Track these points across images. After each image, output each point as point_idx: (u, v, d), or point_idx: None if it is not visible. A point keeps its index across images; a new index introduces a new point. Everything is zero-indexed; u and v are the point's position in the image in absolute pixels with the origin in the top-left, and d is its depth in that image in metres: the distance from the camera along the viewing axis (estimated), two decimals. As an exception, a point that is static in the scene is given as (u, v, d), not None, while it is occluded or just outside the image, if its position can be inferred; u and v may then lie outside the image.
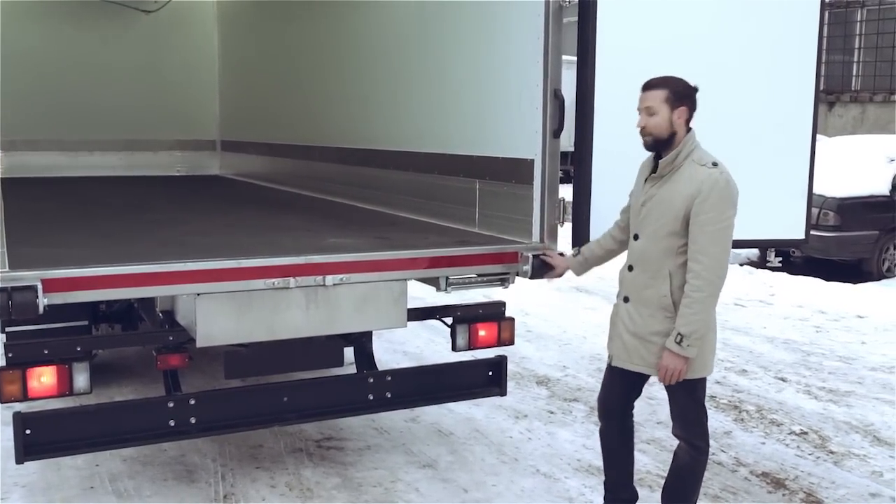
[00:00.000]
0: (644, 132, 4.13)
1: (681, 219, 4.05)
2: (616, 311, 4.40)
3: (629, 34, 4.90)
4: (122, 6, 10.45)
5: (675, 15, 4.99)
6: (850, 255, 13.05)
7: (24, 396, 4.34)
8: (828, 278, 11.96)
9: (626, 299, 4.30)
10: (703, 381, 4.30)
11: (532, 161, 5.06)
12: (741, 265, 13.15)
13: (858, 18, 19.90)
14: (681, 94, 4.08)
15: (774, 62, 5.20)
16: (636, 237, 4.26)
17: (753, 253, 13.99)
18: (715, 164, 4.06)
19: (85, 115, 10.54)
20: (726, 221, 4.02)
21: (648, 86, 4.14)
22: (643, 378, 4.46)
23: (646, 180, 4.24)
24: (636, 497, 4.74)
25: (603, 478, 4.81)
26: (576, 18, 4.88)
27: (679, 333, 4.03)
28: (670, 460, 4.57)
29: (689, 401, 4.31)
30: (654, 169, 4.22)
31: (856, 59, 20.20)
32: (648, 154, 4.33)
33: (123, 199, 8.30)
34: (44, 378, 4.36)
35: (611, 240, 4.67)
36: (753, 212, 5.17)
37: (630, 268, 4.28)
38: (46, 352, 4.40)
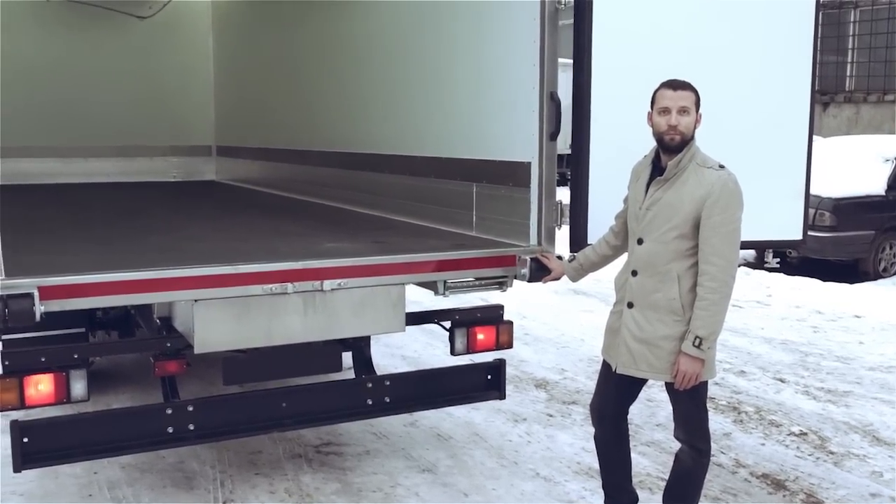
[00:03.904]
0: (674, 131, 4.06)
1: (690, 221, 4.04)
2: (618, 318, 4.35)
3: (625, 36, 4.88)
4: (116, 12, 10.43)
5: (671, 17, 4.97)
6: (847, 256, 13.05)
7: (22, 404, 4.33)
8: (824, 279, 11.97)
9: (630, 305, 4.26)
10: (706, 383, 4.29)
11: (529, 164, 5.04)
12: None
13: (852, 19, 19.91)
14: (700, 101, 4.11)
15: (770, 63, 5.18)
16: (640, 241, 4.22)
17: (749, 254, 13.97)
18: (721, 167, 4.08)
19: (80, 121, 10.48)
20: (737, 223, 4.05)
21: (679, 86, 4.10)
22: (641, 384, 4.45)
23: (648, 184, 4.21)
24: (636, 499, 4.73)
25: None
26: (571, 21, 4.87)
27: (697, 336, 4.01)
28: (670, 462, 4.56)
29: (692, 404, 4.30)
30: (654, 172, 4.20)
31: (849, 59, 20.21)
32: (642, 157, 4.34)
33: (119, 206, 8.28)
34: (41, 386, 4.35)
35: (606, 245, 4.65)
36: (751, 213, 5.14)
37: (634, 273, 4.24)
38: (43, 359, 4.39)
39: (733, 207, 4.04)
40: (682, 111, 4.06)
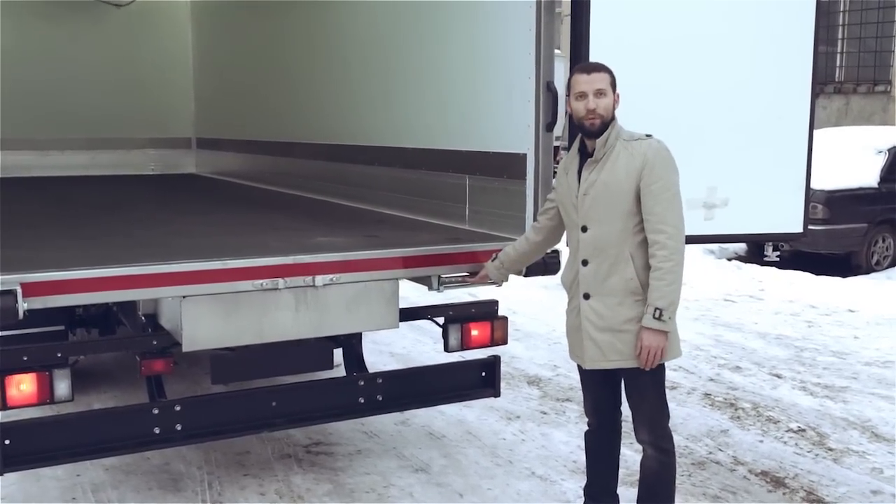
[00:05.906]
0: (593, 115, 4.00)
1: (633, 195, 3.98)
2: (576, 314, 4.21)
3: (622, 26, 4.78)
4: (93, 0, 10.23)
5: (670, 7, 4.87)
6: (840, 249, 12.99)
7: (3, 405, 4.17)
8: (816, 272, 11.91)
9: (586, 296, 4.12)
10: (664, 374, 4.20)
11: (524, 155, 4.93)
12: (729, 260, 13.07)
13: (841, 9, 19.83)
14: (615, 81, 4.07)
15: (769, 54, 5.10)
16: (584, 229, 4.10)
17: (741, 248, 13.92)
18: (649, 136, 4.05)
19: (55, 112, 10.26)
20: (675, 187, 4.00)
21: (594, 68, 4.06)
22: (619, 373, 4.32)
23: (579, 172, 4.13)
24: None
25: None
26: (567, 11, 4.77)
27: (657, 308, 3.90)
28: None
29: (656, 394, 4.18)
30: (583, 159, 4.14)
31: (839, 49, 20.13)
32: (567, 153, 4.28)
33: (98, 199, 8.12)
34: (23, 386, 4.20)
35: (525, 242, 4.57)
36: (750, 205, 5.08)
37: (585, 262, 4.12)
38: (26, 358, 4.24)
39: (668, 171, 3.99)
40: (599, 94, 4.01)
